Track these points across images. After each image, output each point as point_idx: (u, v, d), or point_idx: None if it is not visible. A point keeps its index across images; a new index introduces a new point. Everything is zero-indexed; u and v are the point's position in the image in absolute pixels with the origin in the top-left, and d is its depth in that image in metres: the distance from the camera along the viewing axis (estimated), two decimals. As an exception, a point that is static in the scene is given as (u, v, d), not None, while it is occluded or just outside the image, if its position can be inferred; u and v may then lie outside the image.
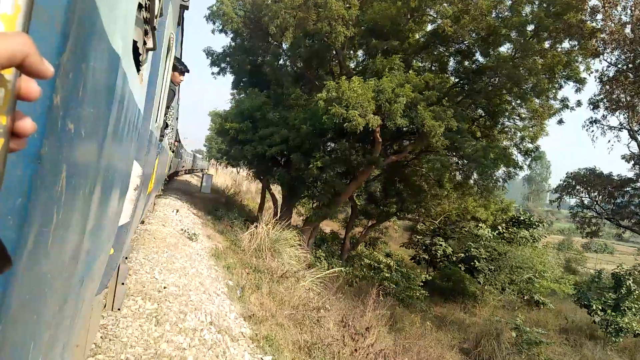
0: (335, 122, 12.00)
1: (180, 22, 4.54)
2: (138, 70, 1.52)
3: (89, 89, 0.75)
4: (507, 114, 15.55)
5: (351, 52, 18.02)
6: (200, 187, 23.95)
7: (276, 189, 21.95)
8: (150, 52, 1.78)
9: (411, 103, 11.98)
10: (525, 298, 18.49)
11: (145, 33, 1.51)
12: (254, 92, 17.17)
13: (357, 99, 11.41)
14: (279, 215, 20.06)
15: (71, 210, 0.78)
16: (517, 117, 15.90)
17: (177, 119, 9.62)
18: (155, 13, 1.56)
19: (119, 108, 1.12)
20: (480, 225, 19.61)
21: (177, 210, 12.56)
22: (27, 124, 0.37)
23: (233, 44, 20.11)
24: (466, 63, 15.27)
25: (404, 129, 13.66)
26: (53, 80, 0.55)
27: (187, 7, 4.28)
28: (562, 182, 19.05)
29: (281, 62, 19.83)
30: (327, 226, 28.15)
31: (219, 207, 16.84)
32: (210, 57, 20.42)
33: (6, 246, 0.36)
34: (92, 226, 1.06)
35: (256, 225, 11.14)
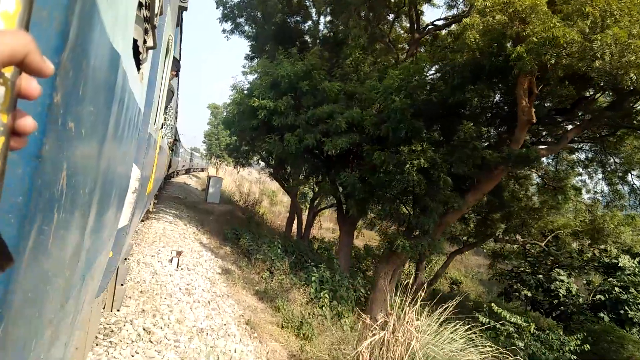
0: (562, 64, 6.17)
1: (179, 23, 4.53)
2: (138, 68, 1.52)
3: (89, 88, 0.75)
4: None
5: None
6: (206, 195, 18.39)
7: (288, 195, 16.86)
8: (150, 51, 1.78)
9: None
10: None
11: (146, 31, 1.51)
12: (292, 54, 11.39)
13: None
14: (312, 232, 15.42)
15: (72, 209, 0.78)
16: None
17: (175, 117, 9.61)
18: (156, 11, 1.56)
19: (119, 107, 1.12)
20: (610, 249, 13.79)
21: (179, 255, 7.50)
22: (27, 122, 0.37)
23: None
24: None
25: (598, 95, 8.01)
26: (53, 79, 0.55)
27: (185, 9, 4.28)
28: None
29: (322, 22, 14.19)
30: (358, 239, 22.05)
31: (239, 229, 12.07)
32: (222, 8, 15.04)
33: (7, 244, 0.36)
34: (93, 225, 1.06)
35: (384, 320, 4.80)
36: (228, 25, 15.18)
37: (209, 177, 19.07)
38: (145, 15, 1.45)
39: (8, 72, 0.34)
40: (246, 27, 15.23)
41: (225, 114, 17.29)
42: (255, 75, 12.79)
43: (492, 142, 9.82)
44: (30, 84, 0.36)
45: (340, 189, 11.48)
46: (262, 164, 19.58)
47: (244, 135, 12.87)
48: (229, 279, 7.85)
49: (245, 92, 11.78)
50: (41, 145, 0.54)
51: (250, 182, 33.75)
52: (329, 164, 11.53)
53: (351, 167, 10.71)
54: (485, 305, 10.70)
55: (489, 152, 8.52)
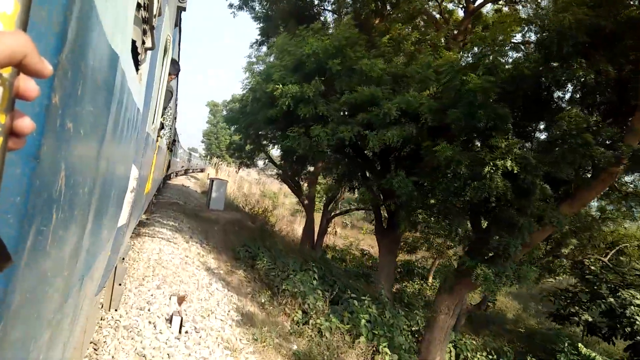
0: None
1: (177, 24, 4.53)
2: (137, 69, 1.52)
3: (88, 88, 0.75)
4: None
5: None
6: (209, 201, 16.31)
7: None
8: (149, 52, 1.78)
9: None
10: None
11: (144, 32, 1.51)
12: (316, 29, 9.25)
13: None
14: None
15: (70, 209, 0.78)
16: None
17: (175, 118, 9.59)
18: (154, 12, 1.56)
19: (118, 107, 1.13)
20: None
21: (181, 302, 5.54)
22: (26, 123, 0.37)
23: None
24: None
25: None
26: (51, 80, 0.55)
27: (184, 9, 4.27)
28: None
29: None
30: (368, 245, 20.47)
31: (251, 244, 10.25)
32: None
33: (6, 244, 0.36)
34: (91, 226, 1.06)
35: None
36: (236, 0, 13.67)
37: (212, 180, 16.73)
38: (143, 16, 1.45)
39: (6, 72, 0.34)
40: (256, 6, 13.26)
41: (225, 112, 16.45)
42: (271, 58, 10.44)
43: (603, 137, 7.01)
44: (28, 85, 0.36)
45: (382, 196, 9.15)
46: (266, 164, 17.67)
47: (249, 133, 11.44)
48: (255, 335, 5.68)
49: (260, 76, 9.40)
50: (39, 145, 0.54)
51: (249, 183, 32.77)
52: (367, 164, 9.31)
53: (395, 169, 8.47)
54: (566, 344, 8.56)
55: (600, 150, 6.30)
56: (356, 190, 10.87)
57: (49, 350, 0.84)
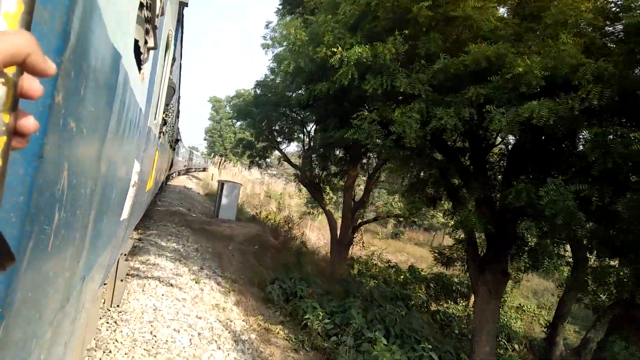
0: None
1: (179, 20, 4.53)
2: (139, 68, 1.52)
3: (90, 88, 0.75)
4: None
5: None
6: (217, 208, 14.07)
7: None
8: (152, 51, 1.78)
9: None
10: None
11: (147, 32, 1.51)
12: None
13: None
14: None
15: (73, 208, 0.78)
16: None
17: (177, 116, 9.57)
18: (157, 12, 1.56)
19: (120, 106, 1.13)
20: None
21: None
22: (29, 122, 0.37)
23: None
24: None
25: None
26: (55, 79, 0.55)
27: (186, 4, 4.27)
28: None
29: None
30: (391, 254, 18.15)
31: (284, 277, 7.94)
32: None
33: (9, 243, 0.37)
34: (94, 224, 1.07)
35: None
36: None
37: (221, 183, 14.33)
38: (146, 16, 1.45)
39: (10, 72, 0.34)
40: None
41: (228, 108, 14.63)
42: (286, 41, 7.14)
43: None
44: (32, 84, 0.36)
45: (474, 215, 5.70)
46: (281, 162, 15.48)
47: (262, 128, 9.78)
48: None
49: (305, 38, 6.04)
50: (42, 145, 0.55)
51: (252, 182, 30.87)
52: (456, 166, 6.50)
53: (508, 174, 5.94)
54: None
55: None
56: (438, 203, 7.77)
57: (50, 350, 0.84)
